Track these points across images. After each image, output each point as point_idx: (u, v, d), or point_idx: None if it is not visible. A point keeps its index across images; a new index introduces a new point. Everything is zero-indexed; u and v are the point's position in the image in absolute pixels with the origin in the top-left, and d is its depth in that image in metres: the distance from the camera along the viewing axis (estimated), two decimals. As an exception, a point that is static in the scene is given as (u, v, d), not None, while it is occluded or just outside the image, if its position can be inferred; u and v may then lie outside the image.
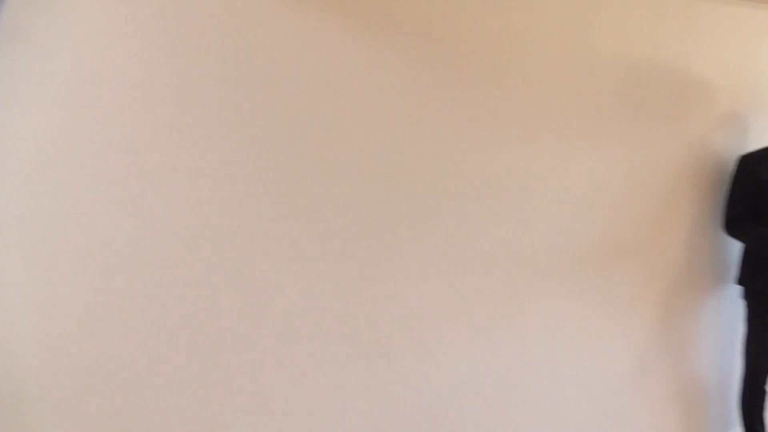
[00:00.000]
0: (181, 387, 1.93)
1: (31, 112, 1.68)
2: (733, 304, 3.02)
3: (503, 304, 2.46)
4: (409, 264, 2.27)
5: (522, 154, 2.43)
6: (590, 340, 2.67)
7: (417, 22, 2.21)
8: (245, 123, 1.96)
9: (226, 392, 2.01)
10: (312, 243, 2.10)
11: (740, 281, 2.87)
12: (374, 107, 2.16)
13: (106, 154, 1.76)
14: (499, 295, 2.44)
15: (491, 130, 2.36)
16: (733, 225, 2.79)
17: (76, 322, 1.75)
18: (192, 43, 1.86)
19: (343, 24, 2.09)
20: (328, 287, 2.14)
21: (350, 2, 2.08)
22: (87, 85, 1.72)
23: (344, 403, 2.21)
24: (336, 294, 2.17)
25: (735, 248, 2.98)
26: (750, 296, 2.84)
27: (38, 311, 1.71)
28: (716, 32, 2.81)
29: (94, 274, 1.78)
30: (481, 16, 2.30)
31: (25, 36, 1.64)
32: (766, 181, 2.70)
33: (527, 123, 2.42)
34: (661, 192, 2.77)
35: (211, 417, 2.00)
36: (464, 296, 2.38)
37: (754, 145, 2.92)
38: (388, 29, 2.16)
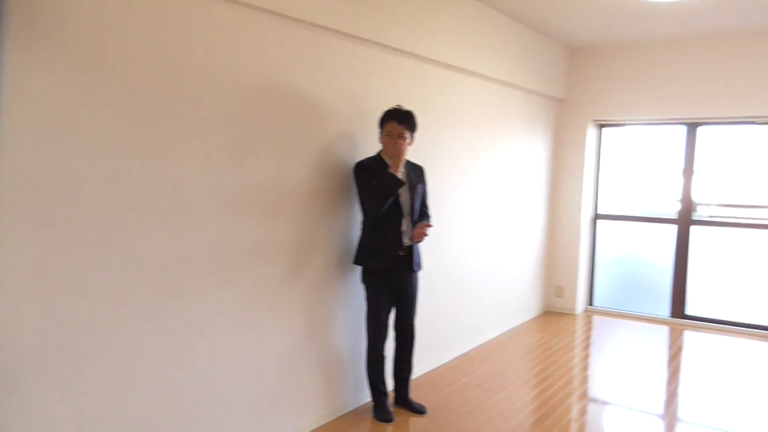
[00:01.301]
0: None
1: None
2: (358, 287, 3.56)
3: (163, 306, 2.52)
4: (62, 274, 2.18)
5: (173, 162, 2.53)
6: (248, 329, 2.90)
7: (67, 29, 2.15)
8: None
9: None
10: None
11: (356, 261, 3.41)
12: (20, 111, 2.04)
13: None
14: (158, 298, 2.49)
15: (141, 139, 2.40)
16: (374, 213, 3.30)
17: None
18: None
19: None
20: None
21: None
22: None
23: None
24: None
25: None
26: (366, 279, 3.43)
27: None
28: (335, 63, 3.31)
29: None
30: (132, 29, 2.34)
31: None
32: (374, 179, 3.26)
33: (178, 134, 2.53)
34: (301, 195, 3.14)
35: None
36: (122, 302, 2.37)
37: (364, 154, 3.48)
38: (36, 32, 2.06)
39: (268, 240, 2.99)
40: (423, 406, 3.63)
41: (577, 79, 6.05)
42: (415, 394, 3.76)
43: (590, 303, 6.41)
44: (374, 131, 3.52)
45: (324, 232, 3.33)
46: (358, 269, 3.51)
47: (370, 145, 3.52)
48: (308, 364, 3.30)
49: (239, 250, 2.84)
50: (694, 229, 5.82)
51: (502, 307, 5.36)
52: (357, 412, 3.59)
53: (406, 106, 3.41)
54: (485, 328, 5.10)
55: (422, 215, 3.57)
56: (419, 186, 3.51)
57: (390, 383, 3.68)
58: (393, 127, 3.29)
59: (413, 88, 3.94)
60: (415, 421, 3.52)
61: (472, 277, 4.81)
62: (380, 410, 3.51)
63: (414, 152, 3.65)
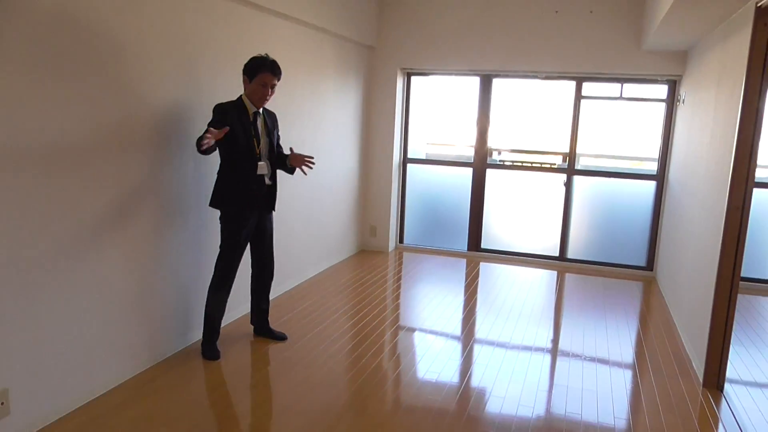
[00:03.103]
0: None
1: None
2: (190, 232, 3.61)
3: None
4: None
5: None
6: (66, 273, 2.82)
7: None
8: None
9: None
10: None
11: (214, 204, 3.51)
12: None
13: None
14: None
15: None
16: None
17: None
18: None
19: None
20: None
21: None
22: None
23: None
24: None
25: (213, 177, 3.59)
26: (223, 218, 3.53)
27: None
28: (153, 2, 3.18)
29: None
30: None
31: None
32: (233, 123, 3.36)
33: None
34: (119, 140, 3.07)
35: None
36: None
37: (181, 97, 3.46)
38: None
39: (86, 183, 2.84)
40: (284, 333, 3.95)
41: (386, 28, 6.33)
42: (240, 332, 3.89)
43: (401, 241, 6.92)
44: (192, 75, 3.46)
45: (151, 176, 3.24)
46: (191, 215, 3.55)
47: (191, 89, 3.46)
48: (134, 308, 3.25)
49: (53, 196, 2.68)
50: (489, 172, 6.52)
51: (320, 247, 5.61)
52: (183, 353, 3.62)
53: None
54: (305, 268, 5.32)
55: (278, 156, 3.78)
56: (275, 131, 3.72)
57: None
58: (268, 78, 3.45)
59: (230, 30, 3.88)
60: (244, 354, 3.65)
61: (292, 219, 4.96)
62: (210, 349, 3.63)
63: (231, 96, 3.65)
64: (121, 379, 3.22)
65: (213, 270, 3.60)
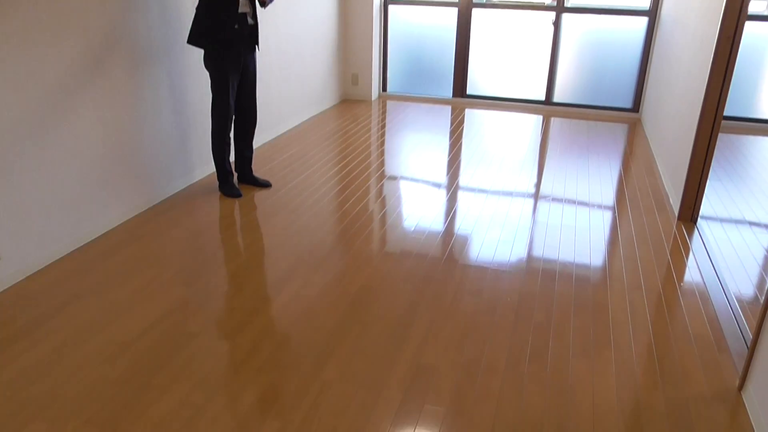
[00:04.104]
0: None
1: None
2: (180, 69, 3.58)
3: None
4: None
5: None
6: (32, 128, 2.75)
7: None
8: None
9: None
10: None
11: (193, 41, 3.38)
12: None
13: None
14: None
15: None
16: None
17: None
18: None
19: None
20: None
21: None
22: None
23: None
24: None
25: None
26: (211, 62, 3.44)
27: None
28: None
29: None
30: None
31: None
32: None
33: None
34: None
35: None
36: None
37: None
38: None
39: (45, 34, 2.67)
40: (267, 181, 4.00)
41: None
42: (223, 181, 3.90)
43: (384, 89, 6.76)
44: None
45: (116, 20, 3.04)
46: (164, 59, 3.42)
47: None
48: (113, 158, 3.21)
49: (14, 50, 2.52)
50: (475, 12, 6.21)
51: (300, 96, 5.47)
52: (170, 200, 3.65)
53: None
54: (285, 118, 5.22)
55: None
56: None
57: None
58: None
59: None
60: (230, 200, 3.69)
61: (269, 67, 4.78)
62: (228, 188, 3.79)
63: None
64: (107, 227, 3.26)
65: (210, 117, 3.69)
